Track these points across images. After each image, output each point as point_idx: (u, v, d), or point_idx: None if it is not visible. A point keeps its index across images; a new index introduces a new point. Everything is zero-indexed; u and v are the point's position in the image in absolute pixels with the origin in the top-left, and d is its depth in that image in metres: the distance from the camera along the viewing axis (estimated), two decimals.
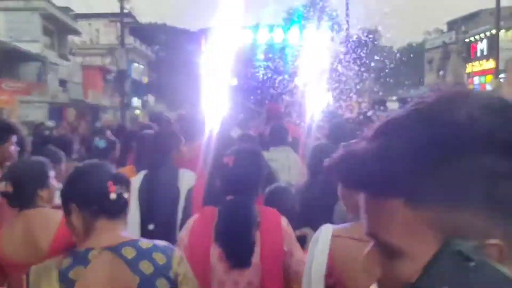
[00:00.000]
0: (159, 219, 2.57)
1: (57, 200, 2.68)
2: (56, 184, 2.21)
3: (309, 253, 1.52)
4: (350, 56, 13.85)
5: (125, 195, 1.48)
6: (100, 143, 3.84)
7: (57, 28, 23.12)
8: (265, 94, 8.51)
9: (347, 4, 19.73)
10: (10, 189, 2.00)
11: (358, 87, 11.68)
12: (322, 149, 2.70)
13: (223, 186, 1.89)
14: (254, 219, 1.79)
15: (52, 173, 2.16)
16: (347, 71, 13.08)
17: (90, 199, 1.43)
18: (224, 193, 1.89)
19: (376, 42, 24.93)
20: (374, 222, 0.52)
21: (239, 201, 1.83)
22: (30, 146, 3.95)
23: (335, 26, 8.26)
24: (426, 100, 0.51)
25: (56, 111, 18.61)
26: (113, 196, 1.43)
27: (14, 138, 3.46)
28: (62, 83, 22.41)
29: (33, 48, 19.49)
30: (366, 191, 0.52)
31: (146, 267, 1.38)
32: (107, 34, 29.51)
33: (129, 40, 29.93)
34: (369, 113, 6.34)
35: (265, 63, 8.55)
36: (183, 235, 1.88)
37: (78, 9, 26.07)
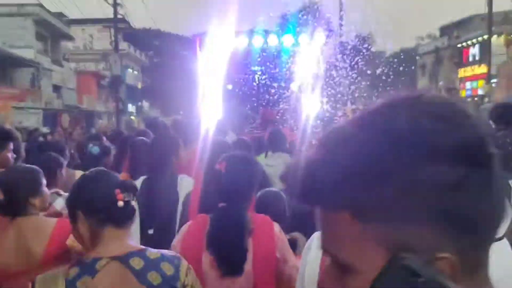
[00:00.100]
0: (158, 224, 2.58)
1: (58, 207, 2.69)
2: (48, 192, 2.20)
3: (302, 261, 1.51)
4: (344, 62, 13.94)
5: (132, 203, 1.47)
6: (94, 149, 3.85)
7: (51, 33, 23.07)
8: (260, 99, 8.53)
9: (340, 10, 19.89)
10: (1, 196, 1.98)
11: (352, 92, 11.75)
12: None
13: (215, 193, 1.88)
14: (246, 227, 1.78)
15: (44, 181, 2.14)
16: (341, 77, 13.16)
17: (96, 207, 1.42)
18: (216, 200, 1.87)
19: (369, 47, 25.10)
20: (327, 236, 0.50)
21: (231, 208, 1.82)
22: (24, 152, 3.94)
23: (330, 33, 8.34)
24: (371, 107, 0.49)
25: (51, 117, 18.53)
26: (120, 204, 1.42)
27: (11, 145, 3.45)
28: (56, 88, 22.34)
29: (27, 54, 19.43)
30: (313, 204, 0.50)
31: (154, 278, 1.37)
32: (101, 40, 29.49)
33: (123, 45, 29.92)
34: None
35: (259, 68, 8.58)
36: (175, 242, 1.88)
37: (71, 14, 26.03)
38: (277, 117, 7.57)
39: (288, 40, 7.79)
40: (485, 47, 19.48)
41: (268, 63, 8.30)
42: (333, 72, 11.67)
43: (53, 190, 2.74)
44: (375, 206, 0.44)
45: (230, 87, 8.48)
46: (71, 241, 1.95)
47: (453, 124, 0.45)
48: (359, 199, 0.44)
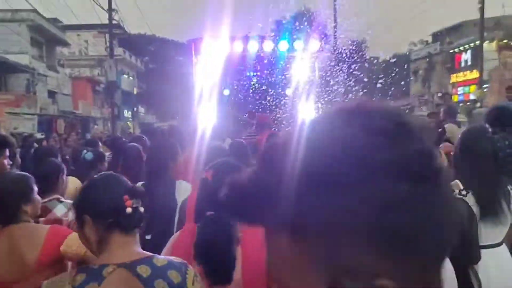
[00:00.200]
0: (156, 230, 2.58)
1: (58, 213, 2.71)
2: (40, 199, 2.18)
3: None
4: (339, 67, 14.06)
5: (141, 209, 1.44)
6: (88, 155, 3.83)
7: (46, 39, 23.05)
8: (255, 105, 8.59)
9: (335, 16, 20.08)
10: None
11: (345, 97, 11.86)
12: None
13: (203, 202, 1.86)
14: (234, 235, 1.74)
15: (35, 187, 2.13)
16: (336, 82, 13.28)
17: (104, 212, 1.39)
18: (205, 208, 1.86)
19: (363, 53, 25.30)
20: (269, 257, 0.46)
21: (218, 217, 1.77)
22: (19, 159, 3.97)
23: (324, 39, 8.43)
24: (311, 120, 0.46)
25: (46, 122, 18.48)
26: (128, 210, 1.40)
27: (7, 152, 3.47)
28: (51, 94, 22.29)
29: (21, 59, 19.38)
30: (252, 222, 0.47)
31: (161, 286, 1.35)
32: (96, 45, 29.48)
33: (119, 51, 29.92)
34: None
35: (254, 73, 8.65)
36: (164, 251, 1.88)
37: (66, 20, 26.01)
38: (273, 121, 7.65)
39: (283, 46, 7.88)
40: (477, 52, 19.70)
41: (263, 69, 8.37)
42: (328, 78, 11.77)
43: (54, 196, 2.74)
44: (313, 225, 0.41)
45: (227, 92, 8.53)
46: (65, 247, 1.96)
47: (393, 138, 0.41)
48: (296, 217, 0.41)
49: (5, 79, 19.46)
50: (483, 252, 2.29)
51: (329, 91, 11.24)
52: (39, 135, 13.88)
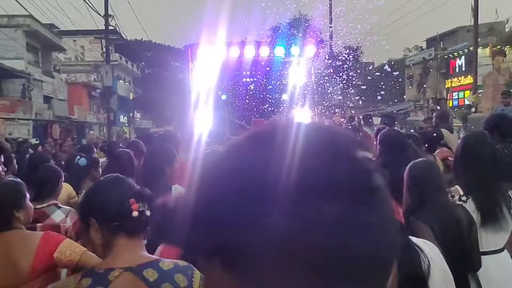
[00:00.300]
0: (152, 235, 2.58)
1: (56, 219, 2.69)
2: (31, 205, 2.16)
3: None
4: (334, 73, 14.13)
5: (147, 213, 1.42)
6: (81, 161, 3.81)
7: (42, 45, 23.01)
8: (252, 110, 8.61)
9: (330, 22, 20.19)
10: None
11: (341, 102, 11.91)
12: None
13: None
14: None
15: (27, 194, 2.12)
16: (331, 87, 13.33)
17: (110, 215, 1.37)
18: None
19: (358, 59, 25.44)
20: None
21: None
22: (16, 165, 3.95)
23: (320, 44, 8.49)
24: (238, 140, 0.44)
25: (41, 128, 18.42)
26: (135, 214, 1.38)
27: (1, 158, 3.45)
28: (47, 100, 22.22)
29: (17, 65, 19.34)
30: (181, 248, 0.44)
31: None
32: (92, 51, 29.46)
33: (115, 56, 29.92)
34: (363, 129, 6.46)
35: (250, 78, 8.67)
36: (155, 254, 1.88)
37: (63, 26, 25.97)
38: None
39: (279, 51, 7.90)
40: (471, 58, 19.86)
41: (259, 75, 8.40)
42: (324, 83, 11.82)
43: (52, 202, 2.74)
44: (241, 254, 0.38)
45: (224, 97, 8.54)
46: (58, 254, 1.95)
47: (320, 159, 0.39)
48: (224, 243, 0.38)
49: (0, 85, 19.40)
50: (484, 258, 2.28)
51: (325, 96, 11.29)
52: (33, 141, 13.82)
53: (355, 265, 0.38)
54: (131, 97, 36.49)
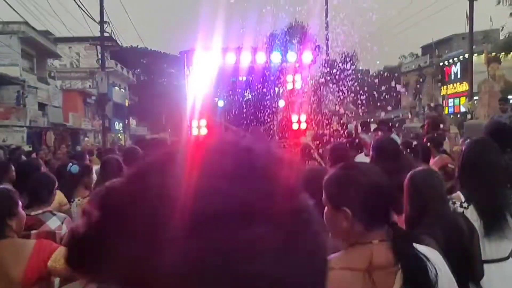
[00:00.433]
0: None
1: (52, 225, 2.64)
2: (23, 213, 2.14)
3: None
4: (331, 80, 14.14)
5: None
6: (74, 168, 3.81)
7: (37, 51, 22.97)
8: (249, 116, 8.56)
9: (326, 29, 20.29)
10: None
11: (337, 109, 11.91)
12: (317, 173, 2.70)
13: None
14: None
15: (19, 202, 2.09)
16: (328, 94, 13.33)
17: None
18: None
19: (354, 66, 25.55)
20: None
21: None
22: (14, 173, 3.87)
23: (316, 51, 8.47)
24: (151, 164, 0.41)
25: (35, 135, 18.31)
26: None
27: None
28: (42, 106, 22.13)
29: (12, 71, 19.27)
30: (86, 273, 0.41)
31: None
32: (88, 58, 29.42)
33: (110, 63, 29.89)
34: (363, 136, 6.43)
35: (246, 85, 8.64)
36: None
37: (58, 32, 25.95)
38: (266, 133, 7.61)
39: (275, 57, 7.88)
40: (466, 65, 19.99)
41: (256, 81, 8.37)
42: (320, 89, 11.81)
43: (47, 209, 2.72)
44: (155, 278, 0.35)
45: (220, 103, 8.50)
46: (52, 262, 1.93)
47: (232, 181, 0.37)
48: (130, 270, 0.36)
49: None
50: (488, 267, 2.24)
51: (321, 103, 11.28)
52: (27, 148, 13.71)
53: None
54: (126, 104, 36.43)
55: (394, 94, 30.34)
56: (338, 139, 6.90)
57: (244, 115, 8.54)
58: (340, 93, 13.32)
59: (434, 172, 2.43)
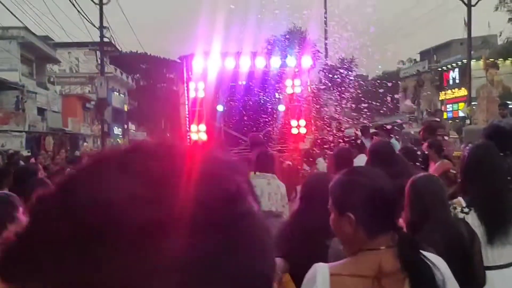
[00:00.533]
0: None
1: None
2: (25, 218, 2.14)
3: None
4: (330, 84, 14.15)
5: None
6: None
7: (36, 56, 22.97)
8: (249, 121, 8.54)
9: (325, 34, 20.35)
10: None
11: (336, 114, 11.93)
12: (320, 178, 2.69)
13: None
14: None
15: (20, 207, 2.05)
16: (327, 99, 13.33)
17: None
18: None
19: (353, 72, 25.61)
20: None
21: None
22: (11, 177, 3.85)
23: (315, 56, 8.47)
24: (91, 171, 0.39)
25: (34, 140, 18.26)
26: None
27: None
28: (41, 111, 22.11)
29: (11, 76, 19.25)
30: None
31: None
32: (87, 63, 29.46)
33: (110, 68, 29.91)
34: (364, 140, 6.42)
35: (246, 90, 8.63)
36: None
37: (57, 37, 25.98)
38: (264, 139, 7.59)
39: (275, 62, 7.89)
40: (465, 70, 20.06)
41: (255, 86, 8.36)
42: (319, 94, 11.81)
43: None
44: None
45: (220, 108, 8.48)
46: None
47: (166, 188, 0.35)
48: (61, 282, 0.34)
49: None
50: (490, 273, 2.21)
51: (320, 108, 11.27)
52: (26, 152, 13.68)
53: None
54: (125, 109, 36.42)
55: (393, 99, 30.41)
56: (338, 143, 6.88)
57: (243, 120, 8.52)
58: (339, 99, 13.33)
59: (435, 178, 2.41)
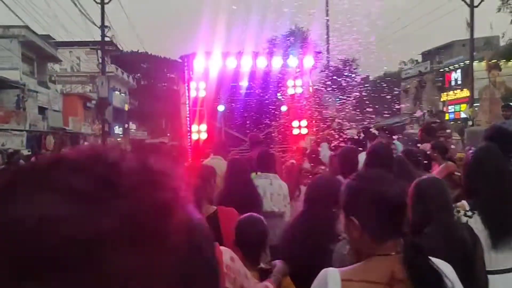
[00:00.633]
0: None
1: None
2: None
3: None
4: (331, 85, 14.11)
5: None
6: None
7: (37, 55, 22.95)
8: (249, 121, 8.49)
9: (327, 35, 20.31)
10: None
11: (337, 115, 11.89)
12: (325, 182, 2.66)
13: None
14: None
15: None
16: (328, 99, 13.29)
17: None
18: None
19: (355, 70, 25.57)
20: None
21: None
22: None
23: (317, 56, 8.44)
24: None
25: (35, 139, 18.25)
26: None
27: None
28: (42, 110, 22.10)
29: (12, 75, 19.23)
30: None
31: None
32: (88, 62, 29.43)
33: (111, 68, 29.89)
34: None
35: (247, 90, 8.58)
36: None
37: (58, 37, 25.99)
38: (267, 139, 7.54)
39: (276, 62, 7.84)
40: (467, 71, 19.98)
41: (256, 86, 8.31)
42: (320, 94, 11.77)
43: None
44: None
45: (221, 108, 8.43)
46: None
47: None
48: None
49: None
50: (493, 278, 2.17)
51: (321, 108, 11.23)
52: (26, 152, 13.65)
53: None
54: (126, 108, 36.40)
55: (394, 100, 30.35)
56: (341, 142, 6.83)
57: (244, 120, 8.48)
58: (340, 99, 13.29)
59: (439, 180, 2.38)
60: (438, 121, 8.77)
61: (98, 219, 0.31)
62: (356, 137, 7.29)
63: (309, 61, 8.00)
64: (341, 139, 7.13)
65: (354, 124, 11.28)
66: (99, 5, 18.78)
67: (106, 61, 23.15)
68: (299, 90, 8.17)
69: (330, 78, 14.86)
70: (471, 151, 2.52)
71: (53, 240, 0.30)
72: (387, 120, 28.29)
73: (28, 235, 0.30)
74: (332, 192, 2.33)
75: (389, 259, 1.33)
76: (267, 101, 8.48)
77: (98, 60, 21.68)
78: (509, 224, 2.25)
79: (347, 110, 12.85)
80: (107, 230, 0.31)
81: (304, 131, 7.96)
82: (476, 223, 2.25)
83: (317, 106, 9.61)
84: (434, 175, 2.82)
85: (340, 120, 9.89)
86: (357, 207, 1.40)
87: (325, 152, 5.12)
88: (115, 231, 0.31)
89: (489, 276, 2.16)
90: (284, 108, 8.48)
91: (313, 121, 8.61)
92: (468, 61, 18.81)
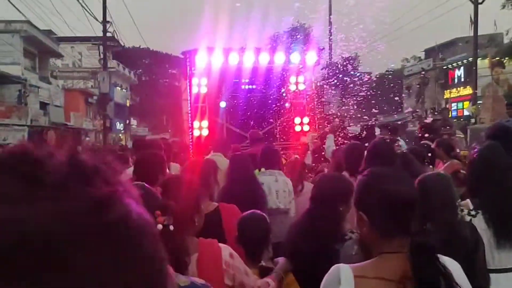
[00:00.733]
0: None
1: None
2: None
3: None
4: (333, 82, 14.06)
5: (171, 228, 1.43)
6: None
7: (39, 50, 22.92)
8: (251, 118, 8.45)
9: (329, 31, 20.22)
10: None
11: (339, 112, 11.84)
12: (332, 181, 2.64)
13: None
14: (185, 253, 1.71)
15: None
16: (331, 97, 13.24)
17: None
18: None
19: (357, 67, 25.48)
20: None
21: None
22: None
23: (319, 52, 8.38)
24: None
25: (36, 134, 18.25)
26: (159, 227, 1.39)
27: None
28: (43, 106, 22.09)
29: (14, 70, 19.22)
30: None
31: None
32: (90, 58, 29.39)
33: (112, 63, 29.84)
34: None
35: (249, 86, 8.54)
36: None
37: (60, 32, 25.92)
38: (266, 135, 7.50)
39: (279, 58, 7.78)
40: (470, 69, 19.90)
41: (259, 82, 8.27)
42: (323, 91, 11.72)
43: None
44: None
45: (223, 104, 8.39)
46: None
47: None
48: None
49: None
50: (496, 276, 2.15)
51: (324, 105, 11.19)
52: None
53: None
54: (127, 104, 36.38)
55: (397, 97, 30.25)
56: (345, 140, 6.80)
57: (246, 116, 8.43)
58: (343, 96, 13.25)
59: (445, 176, 2.35)
60: (438, 118, 8.72)
61: (22, 221, 0.30)
62: (358, 134, 7.24)
63: (312, 57, 7.95)
64: (343, 136, 7.09)
65: (355, 121, 11.24)
66: (101, 1, 18.74)
67: (108, 56, 23.12)
68: (301, 87, 8.12)
69: (333, 75, 14.81)
70: (475, 149, 2.48)
71: None
72: (389, 118, 28.23)
73: None
74: (339, 191, 2.30)
75: (400, 257, 1.33)
76: (269, 98, 8.44)
77: (99, 55, 21.64)
78: None
79: (349, 107, 12.81)
80: (33, 231, 0.30)
81: (306, 128, 7.92)
82: (480, 222, 2.23)
83: (319, 103, 9.56)
84: (439, 171, 2.78)
85: (342, 117, 9.85)
86: (366, 203, 1.42)
87: (330, 143, 5.05)
88: (43, 232, 0.30)
89: (493, 275, 2.14)
90: (286, 105, 8.43)
91: (316, 118, 8.57)
92: (471, 58, 18.72)
